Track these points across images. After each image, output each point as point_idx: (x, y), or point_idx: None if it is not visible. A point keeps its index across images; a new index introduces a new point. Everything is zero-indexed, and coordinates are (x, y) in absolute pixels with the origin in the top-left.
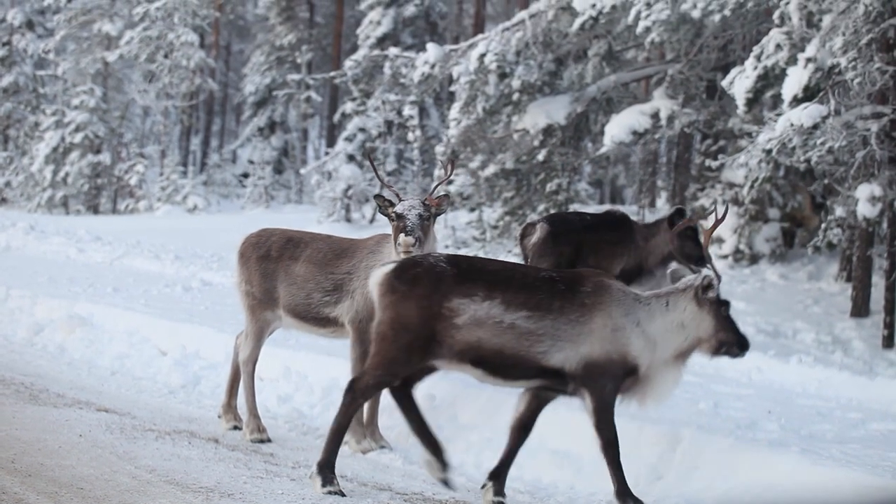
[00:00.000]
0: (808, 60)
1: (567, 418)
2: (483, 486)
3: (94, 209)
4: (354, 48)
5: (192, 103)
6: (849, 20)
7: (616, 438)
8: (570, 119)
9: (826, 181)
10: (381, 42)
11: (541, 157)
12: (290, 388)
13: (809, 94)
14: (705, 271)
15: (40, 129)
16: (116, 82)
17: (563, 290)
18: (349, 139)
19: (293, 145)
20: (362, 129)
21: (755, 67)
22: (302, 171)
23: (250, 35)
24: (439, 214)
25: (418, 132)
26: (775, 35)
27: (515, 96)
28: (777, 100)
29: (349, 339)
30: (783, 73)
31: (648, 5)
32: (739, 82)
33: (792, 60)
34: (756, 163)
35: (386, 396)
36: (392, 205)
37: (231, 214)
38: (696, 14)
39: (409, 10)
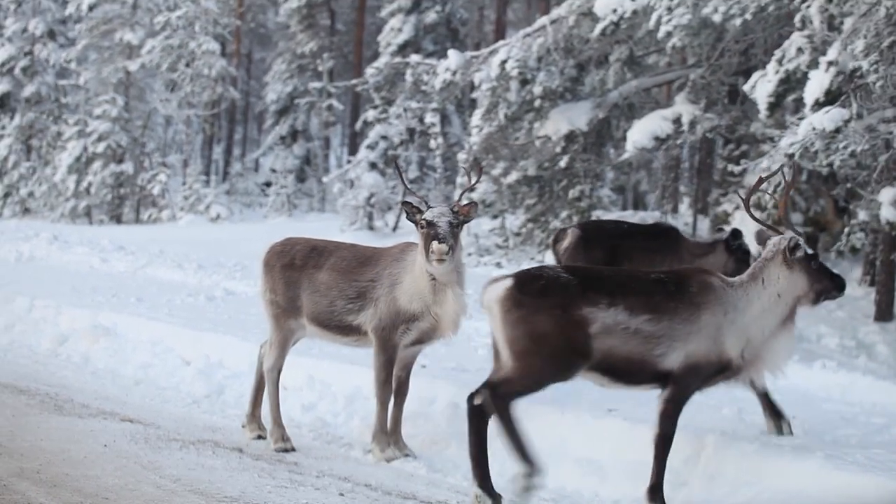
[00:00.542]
0: (830, 64)
1: (591, 425)
2: None
3: (117, 219)
4: (376, 55)
5: (214, 112)
6: (870, 23)
7: (672, 434)
8: (591, 125)
9: (849, 185)
10: (403, 49)
11: (563, 163)
12: (314, 397)
13: (831, 97)
14: (788, 232)
15: (63, 138)
16: (138, 91)
17: (674, 291)
18: (371, 147)
19: (315, 153)
20: (384, 137)
21: (777, 71)
22: (324, 179)
23: (272, 43)
24: (468, 221)
25: (440, 139)
26: (797, 39)
27: (537, 103)
28: (799, 104)
29: (372, 348)
30: (805, 77)
31: (669, 10)
32: (761, 86)
33: (813, 64)
34: (778, 167)
35: (410, 404)
36: (420, 212)
37: (254, 223)
38: (717, 18)
39: (431, 16)
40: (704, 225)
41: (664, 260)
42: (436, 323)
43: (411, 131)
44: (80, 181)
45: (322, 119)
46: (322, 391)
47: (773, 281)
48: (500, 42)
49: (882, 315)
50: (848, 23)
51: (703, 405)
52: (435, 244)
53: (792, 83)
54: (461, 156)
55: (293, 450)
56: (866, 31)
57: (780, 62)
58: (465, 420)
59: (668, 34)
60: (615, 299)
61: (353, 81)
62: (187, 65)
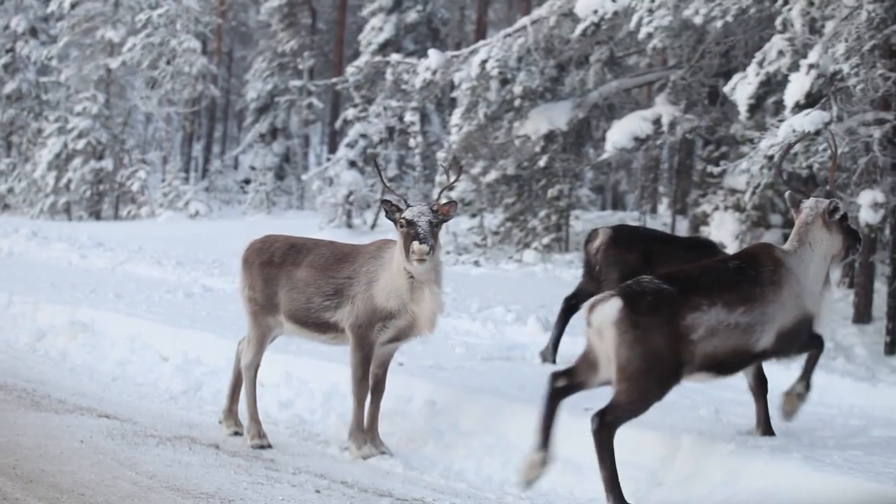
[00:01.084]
0: (811, 67)
1: (568, 424)
2: None
3: (97, 215)
4: (356, 54)
5: (195, 109)
6: (851, 26)
7: None
8: (571, 125)
9: (828, 187)
10: (383, 48)
11: (542, 163)
12: (291, 394)
13: (812, 100)
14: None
15: (43, 135)
16: (119, 89)
17: (755, 276)
18: (350, 145)
19: (295, 151)
20: (364, 136)
21: (757, 74)
22: (303, 177)
23: (252, 41)
24: (447, 221)
25: (420, 138)
26: (777, 41)
27: (517, 102)
28: (779, 106)
29: (349, 345)
30: (785, 80)
31: (650, 11)
32: (741, 88)
33: (794, 67)
34: (758, 169)
35: (387, 402)
36: (399, 210)
37: (233, 220)
38: (698, 20)
39: (411, 16)
40: (683, 226)
41: None
42: (413, 321)
43: (391, 130)
44: (59, 178)
45: (302, 117)
46: (299, 388)
47: (818, 243)
48: (481, 42)
49: (860, 317)
50: (829, 26)
51: (679, 405)
52: (416, 244)
53: (772, 85)
54: (440, 154)
55: (270, 446)
56: (847, 34)
57: (760, 64)
58: (441, 417)
59: (649, 35)
60: (713, 299)
61: (334, 80)
62: (168, 62)
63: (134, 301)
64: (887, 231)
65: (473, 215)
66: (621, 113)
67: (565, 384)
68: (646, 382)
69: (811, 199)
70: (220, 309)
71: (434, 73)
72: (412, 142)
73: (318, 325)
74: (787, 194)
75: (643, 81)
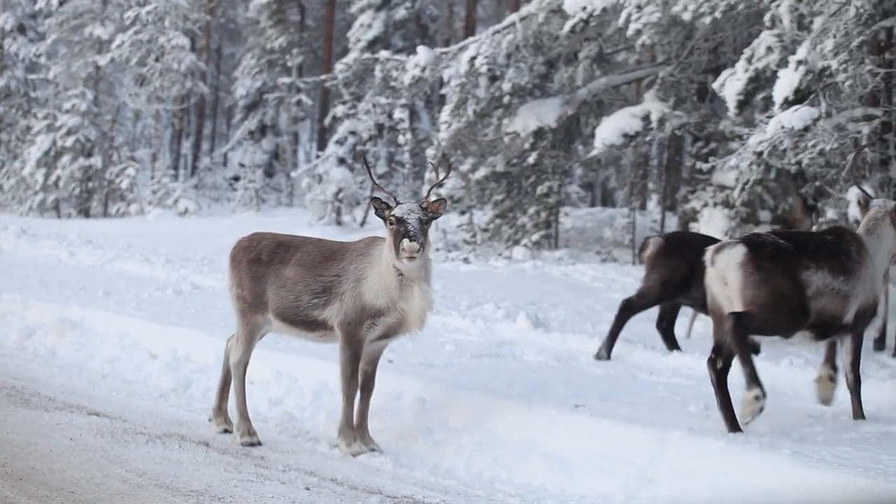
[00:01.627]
0: (799, 63)
1: (558, 421)
2: None
3: (86, 213)
4: (345, 51)
5: (183, 107)
6: (840, 22)
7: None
8: (560, 122)
9: (817, 184)
10: (372, 45)
11: (531, 159)
12: (281, 392)
13: (800, 96)
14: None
15: (32, 132)
16: (108, 86)
17: (847, 251)
18: (340, 142)
19: (284, 148)
20: (353, 132)
21: (746, 70)
22: (293, 174)
23: (241, 38)
24: (436, 218)
25: (409, 135)
26: (766, 37)
27: (506, 99)
28: (768, 102)
29: (338, 343)
30: (774, 76)
31: (639, 8)
32: (730, 85)
33: (783, 63)
34: (747, 165)
35: (377, 399)
36: (389, 207)
37: (222, 218)
38: (686, 16)
39: (400, 13)
40: (673, 222)
41: None
42: (402, 318)
43: (380, 127)
44: (48, 175)
45: (291, 114)
46: (289, 385)
47: (885, 236)
48: (470, 38)
49: None
50: (817, 22)
51: (670, 402)
52: (406, 242)
53: (761, 82)
54: (430, 151)
55: (259, 444)
56: (836, 30)
57: (749, 61)
58: (431, 415)
59: (638, 32)
60: (820, 263)
61: (323, 77)
62: (157, 59)
63: (123, 299)
64: None
65: (463, 212)
66: (610, 109)
67: (723, 364)
68: (776, 314)
69: (880, 198)
70: (210, 306)
71: (423, 69)
72: (401, 139)
73: (307, 323)
74: (854, 192)
75: (632, 78)
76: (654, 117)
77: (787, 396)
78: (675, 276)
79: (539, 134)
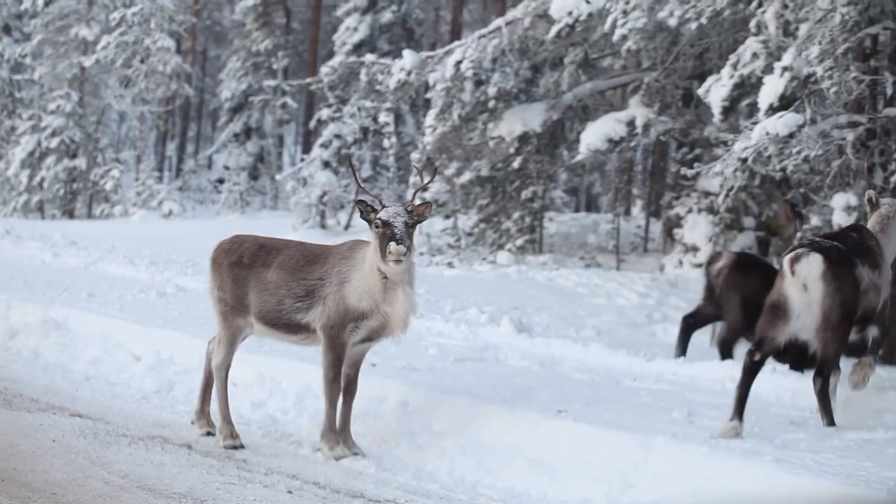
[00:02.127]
0: (785, 69)
1: (541, 425)
2: None
3: (70, 214)
4: (331, 54)
5: (169, 108)
6: (825, 29)
7: None
8: (545, 126)
9: (802, 190)
10: (358, 48)
11: (516, 164)
12: (264, 394)
13: (785, 102)
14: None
15: (16, 133)
16: (93, 87)
17: (872, 246)
18: (325, 145)
19: (269, 151)
20: (338, 136)
21: (731, 76)
22: (277, 177)
23: (227, 41)
24: (422, 221)
25: (394, 139)
26: (752, 44)
27: (491, 103)
28: (753, 108)
29: (321, 346)
30: (759, 82)
31: (625, 13)
32: (715, 91)
33: (768, 69)
34: (732, 171)
35: (359, 403)
36: (374, 210)
37: (206, 220)
38: (672, 22)
39: (386, 16)
40: (657, 228)
41: None
42: (385, 321)
43: (365, 130)
44: (33, 176)
45: (276, 117)
46: (272, 388)
47: (894, 234)
48: (456, 43)
49: None
50: (803, 29)
51: (653, 408)
52: (392, 245)
53: (746, 88)
54: (415, 155)
55: (242, 447)
56: (821, 37)
57: (734, 67)
58: (414, 419)
59: (624, 37)
60: (862, 259)
61: (308, 80)
62: (142, 61)
63: (107, 300)
64: None
65: (447, 216)
66: (595, 115)
67: (761, 357)
68: (844, 330)
69: (889, 198)
70: (193, 308)
71: (408, 73)
72: (386, 142)
73: (290, 327)
74: (866, 193)
75: (617, 83)
76: (639, 123)
77: (769, 403)
78: (748, 295)
79: (524, 139)
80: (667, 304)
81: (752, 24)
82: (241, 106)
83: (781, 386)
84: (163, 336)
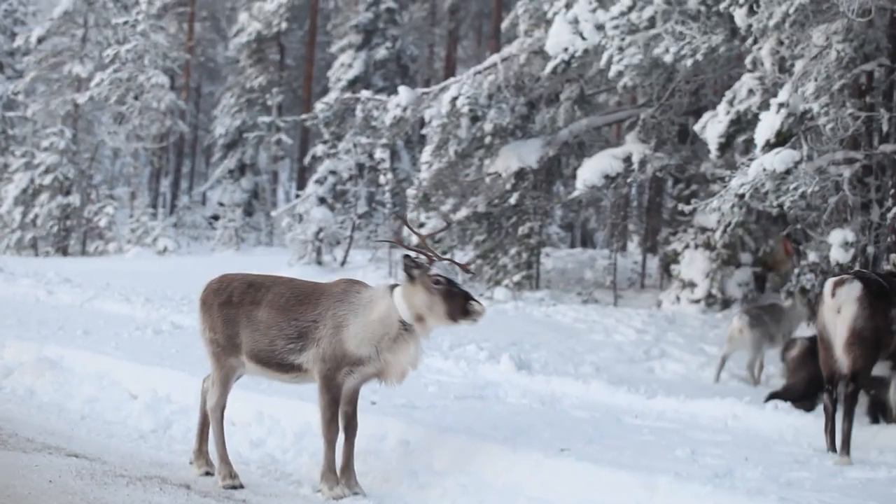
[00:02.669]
0: (781, 105)
1: (543, 464)
2: None
3: (63, 251)
4: (325, 91)
5: (163, 145)
6: (821, 66)
7: None
8: (542, 162)
9: (798, 226)
10: (353, 84)
11: (513, 200)
12: (263, 433)
13: (782, 139)
14: None
15: (9, 170)
16: (86, 124)
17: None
18: (320, 181)
19: (263, 187)
20: (333, 172)
21: (727, 112)
22: (273, 213)
23: (220, 77)
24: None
25: (390, 175)
26: (748, 80)
27: (487, 139)
28: (749, 144)
29: (315, 384)
30: (755, 118)
31: (621, 49)
32: (712, 127)
33: (764, 105)
34: (729, 207)
35: (360, 441)
36: (419, 266)
37: (201, 256)
38: (668, 58)
39: (381, 52)
40: (654, 263)
41: None
42: (383, 369)
43: (360, 166)
44: (26, 213)
45: (270, 153)
46: (271, 427)
47: None
48: (451, 79)
49: None
50: (799, 65)
51: (655, 446)
52: (476, 305)
53: (742, 124)
54: (410, 191)
55: (241, 486)
56: (817, 73)
57: (731, 103)
58: (415, 457)
59: (620, 73)
60: (892, 299)
61: (304, 116)
62: (136, 98)
63: (102, 338)
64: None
65: (444, 253)
66: (591, 151)
67: (834, 393)
68: (872, 349)
69: None
70: (190, 346)
71: (404, 109)
72: (382, 178)
73: (282, 366)
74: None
75: (613, 119)
76: (635, 159)
77: (771, 440)
78: (879, 320)
79: (520, 175)
80: (664, 339)
81: (748, 60)
82: (235, 142)
83: (784, 423)
84: (159, 374)
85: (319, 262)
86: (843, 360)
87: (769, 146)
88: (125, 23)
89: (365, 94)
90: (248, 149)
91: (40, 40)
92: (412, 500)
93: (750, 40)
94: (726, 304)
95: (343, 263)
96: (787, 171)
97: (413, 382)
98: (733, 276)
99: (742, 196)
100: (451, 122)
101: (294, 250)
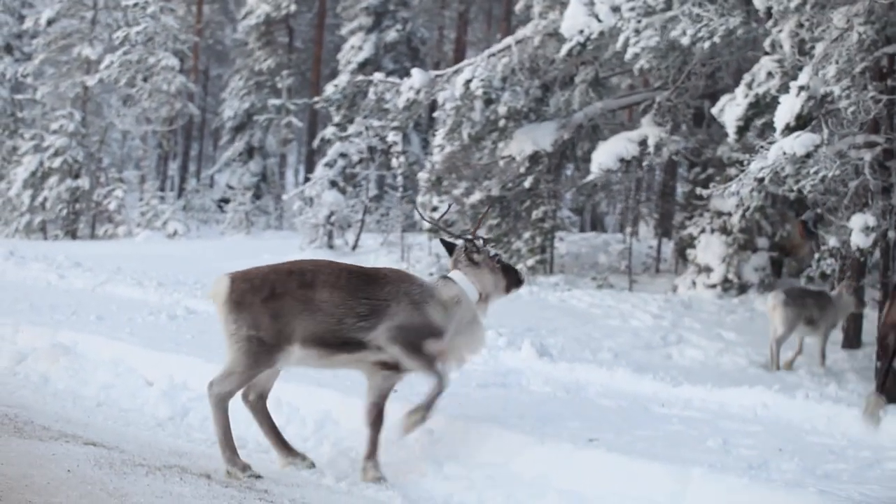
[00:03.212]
0: (801, 88)
1: (572, 456)
2: None
3: (73, 234)
4: (334, 73)
5: (172, 128)
6: (842, 48)
7: None
8: (556, 146)
9: (818, 211)
10: (363, 67)
11: (527, 184)
12: (282, 421)
13: (802, 122)
14: None
15: (18, 153)
16: (95, 106)
17: None
18: (330, 165)
19: (272, 171)
20: (343, 155)
21: (746, 95)
22: (284, 196)
23: (229, 60)
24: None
25: (402, 158)
26: (766, 63)
27: (501, 122)
28: (766, 128)
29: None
30: (775, 101)
31: (637, 32)
32: (730, 110)
33: (784, 88)
34: (748, 191)
35: (383, 431)
36: (479, 251)
37: (211, 240)
38: (685, 41)
39: (391, 35)
40: (668, 248)
41: None
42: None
43: (372, 150)
44: (35, 196)
45: (280, 136)
46: (290, 415)
47: None
48: (465, 61)
49: (850, 342)
50: (819, 48)
51: (686, 435)
52: (523, 271)
53: (761, 107)
54: (422, 175)
55: (259, 476)
56: (838, 56)
57: (749, 86)
58: (440, 447)
59: (636, 56)
60: None
61: (315, 99)
62: (145, 80)
63: (116, 323)
64: (877, 255)
65: (457, 237)
66: (606, 134)
67: None
68: None
69: None
70: (205, 332)
71: (417, 92)
72: (395, 162)
73: (348, 345)
74: None
75: (628, 102)
76: (651, 142)
77: (804, 431)
78: None
79: (535, 158)
80: (681, 325)
81: (767, 42)
82: (243, 125)
83: (815, 412)
84: (175, 360)
85: (331, 246)
86: None
87: (789, 129)
88: (135, 5)
89: (378, 76)
90: (256, 132)
91: (49, 22)
92: (438, 491)
93: (770, 22)
94: (743, 289)
95: (354, 247)
96: (808, 155)
97: None
98: (750, 260)
99: (762, 180)
100: (464, 104)
101: (305, 234)
